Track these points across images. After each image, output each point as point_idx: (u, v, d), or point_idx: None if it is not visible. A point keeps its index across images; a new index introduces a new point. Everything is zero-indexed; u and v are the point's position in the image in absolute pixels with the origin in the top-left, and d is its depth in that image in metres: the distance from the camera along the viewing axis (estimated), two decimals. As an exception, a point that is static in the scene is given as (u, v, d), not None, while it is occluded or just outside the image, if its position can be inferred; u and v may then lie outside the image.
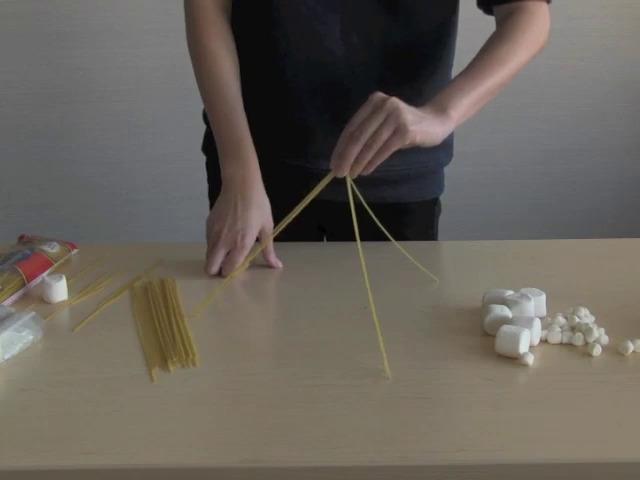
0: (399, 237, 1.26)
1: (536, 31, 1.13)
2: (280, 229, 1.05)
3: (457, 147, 1.36)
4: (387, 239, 1.08)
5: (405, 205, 1.31)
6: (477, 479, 0.72)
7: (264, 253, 1.11)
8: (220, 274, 1.08)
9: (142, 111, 2.21)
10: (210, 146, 1.34)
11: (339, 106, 1.14)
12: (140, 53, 2.15)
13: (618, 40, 2.24)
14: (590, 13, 2.21)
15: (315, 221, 1.32)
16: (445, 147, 1.30)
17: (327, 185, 1.01)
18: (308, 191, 1.03)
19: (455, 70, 1.21)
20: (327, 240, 1.38)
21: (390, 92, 1.03)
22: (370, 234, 1.05)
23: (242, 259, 1.09)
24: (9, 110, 2.19)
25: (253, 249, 1.10)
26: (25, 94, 2.18)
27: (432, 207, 1.36)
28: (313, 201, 1.03)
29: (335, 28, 1.16)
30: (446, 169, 1.37)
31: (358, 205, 1.02)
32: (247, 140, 1.13)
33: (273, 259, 1.12)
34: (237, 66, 1.19)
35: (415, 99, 1.06)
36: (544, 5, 1.16)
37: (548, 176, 2.37)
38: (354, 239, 1.01)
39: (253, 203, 1.10)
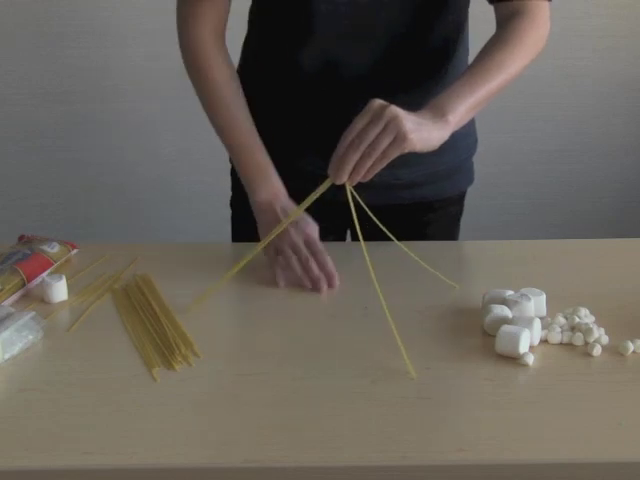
0: (426, 233, 1.27)
1: (536, 36, 1.13)
2: (276, 233, 1.05)
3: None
4: (414, 235, 1.09)
5: (436, 202, 1.32)
6: (477, 479, 0.72)
7: (324, 265, 1.09)
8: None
9: (142, 111, 2.20)
10: None
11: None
12: (140, 53, 2.15)
13: (618, 40, 2.24)
14: (590, 13, 2.21)
15: (340, 222, 1.31)
16: (470, 137, 1.30)
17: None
18: (335, 196, 1.03)
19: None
20: (352, 239, 1.38)
21: (412, 93, 1.04)
22: (396, 234, 1.06)
23: (324, 256, 1.08)
24: (9, 110, 2.19)
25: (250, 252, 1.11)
26: (25, 94, 2.18)
27: (460, 201, 1.37)
28: (338, 203, 1.03)
29: (366, 54, 1.17)
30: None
31: (389, 207, 1.03)
32: (269, 164, 1.16)
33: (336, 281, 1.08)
34: (241, 90, 1.19)
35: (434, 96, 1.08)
36: (546, 6, 1.16)
37: (548, 176, 2.37)
38: (377, 237, 1.01)
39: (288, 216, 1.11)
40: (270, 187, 1.15)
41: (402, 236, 1.09)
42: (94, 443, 0.73)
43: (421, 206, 1.30)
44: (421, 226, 1.32)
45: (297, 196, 1.13)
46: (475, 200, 2.38)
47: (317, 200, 1.01)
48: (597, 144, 2.35)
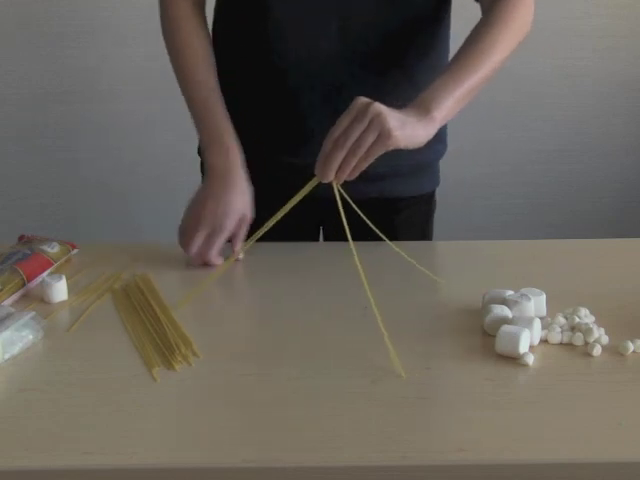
0: (396, 232, 1.27)
1: (521, 21, 1.13)
2: (264, 231, 1.05)
3: (456, 147, 1.36)
4: (386, 235, 1.08)
5: (402, 200, 1.31)
6: (477, 479, 0.72)
7: (233, 239, 1.13)
8: (202, 263, 1.12)
9: (142, 111, 2.20)
10: None
11: (336, 101, 1.15)
12: (140, 53, 2.15)
13: (618, 40, 2.24)
14: (590, 13, 2.21)
15: (313, 218, 1.32)
16: (440, 139, 1.31)
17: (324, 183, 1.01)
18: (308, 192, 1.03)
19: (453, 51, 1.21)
20: (324, 236, 1.38)
21: (384, 81, 1.04)
22: (368, 231, 1.06)
23: (221, 242, 1.12)
24: (9, 110, 2.19)
25: (242, 248, 1.11)
26: (25, 94, 2.18)
27: (429, 201, 1.37)
28: (311, 198, 1.03)
29: (331, 24, 1.16)
30: (447, 168, 1.37)
31: (354, 202, 1.03)
32: (228, 128, 1.16)
33: (238, 247, 1.14)
34: (212, 53, 1.21)
35: (407, 85, 1.10)
36: None
37: (548, 176, 2.37)
38: (352, 236, 1.01)
39: (235, 188, 1.13)
40: (223, 152, 1.15)
41: (374, 234, 1.09)
42: (94, 443, 0.73)
43: (384, 203, 1.30)
44: (389, 225, 1.30)
45: (270, 187, 1.13)
46: (474, 200, 2.39)
47: (290, 197, 1.01)
48: (597, 144, 2.35)
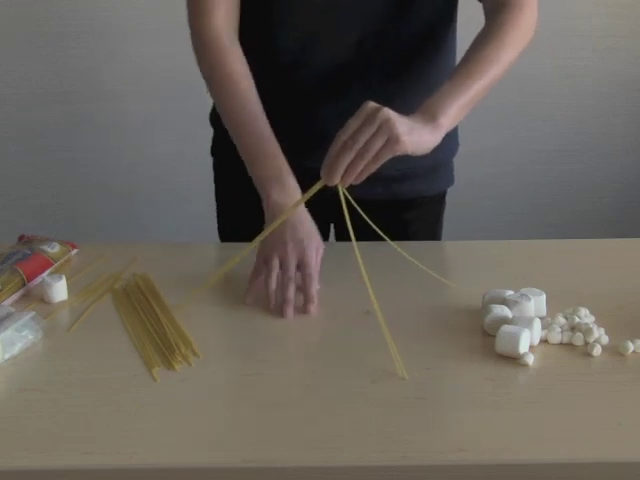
0: (407, 231, 1.26)
1: (524, 27, 1.13)
2: (269, 231, 1.04)
3: (459, 149, 1.36)
4: (395, 234, 1.08)
5: (416, 199, 1.32)
6: (477, 479, 0.72)
7: (307, 300, 1.02)
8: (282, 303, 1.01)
9: (142, 111, 2.20)
10: (219, 149, 1.35)
11: (350, 106, 1.15)
12: (140, 53, 2.15)
13: (618, 40, 2.24)
14: (590, 13, 2.21)
15: (323, 215, 1.31)
16: (452, 137, 1.30)
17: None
18: (319, 190, 1.03)
19: (459, 53, 1.22)
20: (335, 233, 1.38)
21: (394, 85, 1.06)
22: (376, 233, 1.06)
23: (316, 279, 1.04)
24: (9, 110, 2.19)
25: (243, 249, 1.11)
26: (25, 94, 2.18)
27: (441, 200, 1.37)
28: (321, 196, 1.03)
29: (349, 35, 1.17)
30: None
31: (364, 202, 1.02)
32: (287, 167, 1.12)
33: (312, 309, 1.02)
34: (255, 87, 1.17)
35: (416, 88, 1.10)
36: None
37: (548, 176, 2.37)
38: (362, 235, 1.01)
39: (306, 227, 1.08)
40: (285, 191, 1.10)
41: (384, 232, 1.09)
42: (94, 443, 0.73)
43: (398, 203, 1.30)
44: (401, 224, 1.31)
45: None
46: (475, 200, 2.39)
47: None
48: (597, 144, 2.35)
